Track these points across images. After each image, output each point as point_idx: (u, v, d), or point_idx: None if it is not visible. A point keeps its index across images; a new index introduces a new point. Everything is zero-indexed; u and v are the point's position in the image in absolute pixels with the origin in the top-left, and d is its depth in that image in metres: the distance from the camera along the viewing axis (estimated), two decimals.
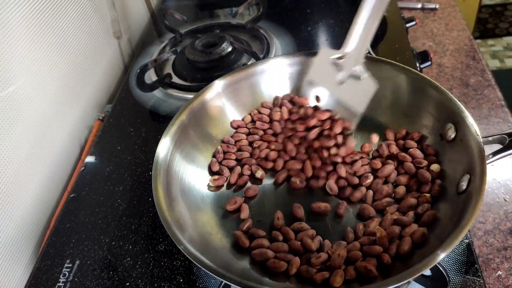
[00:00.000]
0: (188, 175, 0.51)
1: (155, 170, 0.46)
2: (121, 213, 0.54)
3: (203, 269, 0.38)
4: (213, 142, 0.55)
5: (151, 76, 0.73)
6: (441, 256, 0.35)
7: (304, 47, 0.76)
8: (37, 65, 0.59)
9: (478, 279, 0.43)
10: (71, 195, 0.57)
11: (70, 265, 0.49)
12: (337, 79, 0.43)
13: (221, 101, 0.57)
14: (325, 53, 0.44)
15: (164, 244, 0.50)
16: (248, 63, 0.71)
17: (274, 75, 0.58)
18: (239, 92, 0.58)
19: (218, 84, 0.56)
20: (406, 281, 0.35)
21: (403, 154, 0.49)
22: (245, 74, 0.58)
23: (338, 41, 0.75)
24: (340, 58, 0.43)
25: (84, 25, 0.71)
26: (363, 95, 0.44)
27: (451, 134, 0.47)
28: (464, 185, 0.42)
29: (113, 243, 0.51)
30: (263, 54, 0.73)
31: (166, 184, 0.46)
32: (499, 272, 0.48)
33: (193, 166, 0.52)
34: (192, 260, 0.38)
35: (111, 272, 0.48)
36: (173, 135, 0.51)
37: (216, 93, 0.56)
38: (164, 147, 0.49)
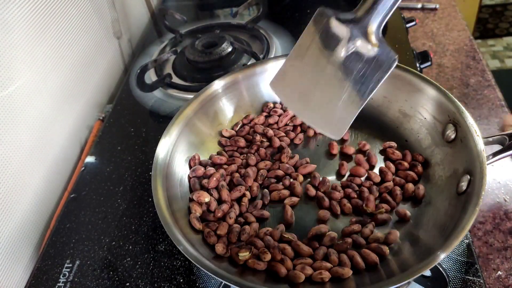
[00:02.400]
0: (187, 175, 0.51)
1: (155, 170, 0.46)
2: (121, 213, 0.54)
3: (203, 269, 0.38)
4: (213, 142, 0.55)
5: (151, 76, 0.73)
6: (441, 256, 0.35)
7: None
8: (37, 65, 0.59)
9: (478, 279, 0.43)
10: (71, 195, 0.57)
11: (70, 265, 0.50)
12: (340, 51, 0.34)
13: (221, 101, 0.57)
14: (324, 13, 0.34)
15: (164, 244, 0.50)
16: (248, 63, 0.71)
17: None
18: (239, 92, 0.58)
19: (218, 84, 0.56)
20: (406, 281, 0.35)
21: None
22: (245, 74, 0.58)
23: None
24: (347, 21, 0.34)
25: (85, 26, 0.71)
26: (380, 72, 0.34)
27: (451, 134, 0.47)
28: (464, 185, 0.42)
29: (113, 243, 0.51)
30: (263, 54, 0.73)
31: (166, 184, 0.46)
32: (499, 272, 0.48)
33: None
34: (191, 261, 0.38)
35: (111, 272, 0.48)
36: (173, 135, 0.51)
37: (216, 94, 0.56)
38: (164, 147, 0.49)
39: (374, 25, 0.35)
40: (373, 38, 0.35)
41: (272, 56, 0.73)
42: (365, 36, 0.35)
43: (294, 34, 0.79)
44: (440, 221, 0.42)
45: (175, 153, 0.50)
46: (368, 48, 0.35)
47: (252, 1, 0.81)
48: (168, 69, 0.76)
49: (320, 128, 0.41)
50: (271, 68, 0.58)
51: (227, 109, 0.57)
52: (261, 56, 0.71)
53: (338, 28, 0.36)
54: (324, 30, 0.36)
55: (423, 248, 0.41)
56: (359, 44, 0.36)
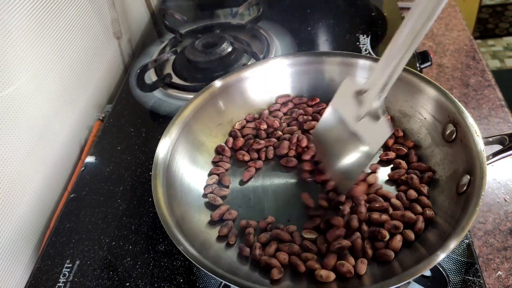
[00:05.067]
0: (187, 175, 0.51)
1: (155, 170, 0.46)
2: (121, 213, 0.54)
3: (203, 269, 0.38)
4: (213, 142, 0.55)
5: (151, 76, 0.73)
6: (441, 256, 0.35)
7: (305, 47, 0.76)
8: (37, 65, 0.59)
9: (478, 279, 0.43)
10: (71, 195, 0.57)
11: (70, 265, 0.50)
12: (356, 114, 0.41)
13: (221, 101, 0.57)
14: (348, 84, 0.42)
15: (164, 244, 0.50)
16: (248, 63, 0.71)
17: (274, 76, 0.58)
18: (239, 92, 0.58)
19: (218, 85, 0.56)
20: (406, 281, 0.35)
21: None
22: (245, 74, 0.58)
23: (338, 41, 0.76)
24: (361, 91, 0.41)
25: (84, 25, 0.71)
26: (379, 137, 0.41)
27: (451, 134, 0.47)
28: (464, 185, 0.42)
29: (113, 243, 0.51)
30: (263, 54, 0.73)
31: (166, 184, 0.46)
32: (499, 272, 0.48)
33: (193, 167, 0.52)
34: (191, 261, 0.38)
35: (111, 272, 0.48)
36: (172, 136, 0.51)
37: (215, 94, 0.56)
38: (164, 147, 0.49)
39: (381, 97, 0.41)
40: (378, 109, 0.41)
41: (272, 56, 0.73)
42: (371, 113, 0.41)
43: (294, 34, 0.79)
44: (440, 221, 0.42)
45: (175, 153, 0.50)
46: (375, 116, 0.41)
47: (252, 1, 0.81)
48: (168, 69, 0.76)
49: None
50: (271, 68, 0.58)
51: (227, 109, 0.57)
52: (261, 56, 0.71)
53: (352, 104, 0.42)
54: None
55: (423, 248, 0.41)
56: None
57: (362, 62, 0.56)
